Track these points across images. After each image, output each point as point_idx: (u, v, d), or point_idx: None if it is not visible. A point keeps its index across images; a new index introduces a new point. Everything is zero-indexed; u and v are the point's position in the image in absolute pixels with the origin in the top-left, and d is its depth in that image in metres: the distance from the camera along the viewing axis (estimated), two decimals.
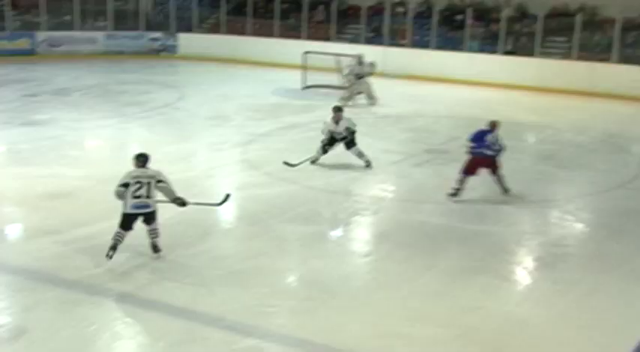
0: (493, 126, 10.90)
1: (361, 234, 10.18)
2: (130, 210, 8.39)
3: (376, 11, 25.16)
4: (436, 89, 21.11)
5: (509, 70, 21.76)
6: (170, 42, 26.71)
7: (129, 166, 8.42)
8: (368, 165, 12.63)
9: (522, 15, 23.16)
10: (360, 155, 12.61)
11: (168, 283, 8.02)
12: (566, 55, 21.58)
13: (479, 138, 10.83)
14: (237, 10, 27.11)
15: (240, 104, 18.21)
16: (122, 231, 8.41)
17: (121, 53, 26.09)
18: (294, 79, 20.65)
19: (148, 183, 8.39)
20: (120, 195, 8.34)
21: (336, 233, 10.04)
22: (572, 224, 10.47)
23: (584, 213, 10.97)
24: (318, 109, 17.11)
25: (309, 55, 20.57)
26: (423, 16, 24.35)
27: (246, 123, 16.20)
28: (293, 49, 22.61)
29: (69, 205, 10.43)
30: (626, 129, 16.63)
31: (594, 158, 14.16)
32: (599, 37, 21.33)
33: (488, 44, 22.75)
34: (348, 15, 25.90)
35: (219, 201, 9.17)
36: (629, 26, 20.98)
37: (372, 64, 18.49)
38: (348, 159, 12.69)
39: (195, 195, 9.36)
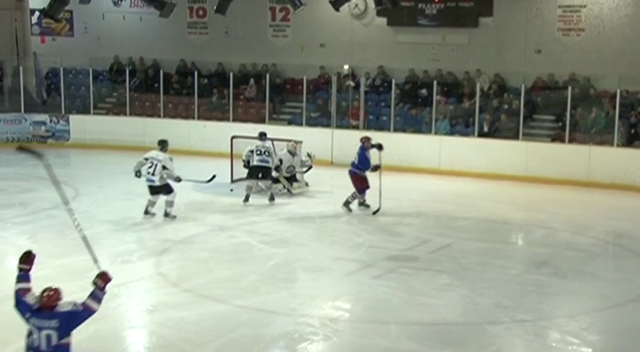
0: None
1: None
2: (146, 183, 15.88)
3: (320, 85, 25.66)
4: (398, 180, 21.26)
5: (488, 156, 22.19)
6: (59, 126, 26.67)
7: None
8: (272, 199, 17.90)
9: (501, 89, 23.75)
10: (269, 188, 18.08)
11: None
12: (556, 138, 22.14)
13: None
14: (146, 86, 27.34)
15: None
16: (151, 197, 16.09)
17: None
18: (219, 170, 20.68)
19: (156, 165, 15.67)
20: (137, 165, 16.09)
21: None
22: (576, 348, 10.48)
23: (590, 334, 11.00)
24: (251, 208, 17.10)
25: (237, 140, 20.73)
26: (378, 90, 24.95)
27: (161, 227, 16.15)
28: (218, 133, 22.82)
29: None
30: (636, 227, 16.90)
31: (599, 264, 14.38)
32: (595, 115, 21.80)
33: (461, 124, 23.25)
34: (286, 90, 26.40)
35: (207, 179, 17.56)
36: (632, 101, 21.54)
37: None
38: (288, 269, 12.61)
39: (96, 319, 9.18)
